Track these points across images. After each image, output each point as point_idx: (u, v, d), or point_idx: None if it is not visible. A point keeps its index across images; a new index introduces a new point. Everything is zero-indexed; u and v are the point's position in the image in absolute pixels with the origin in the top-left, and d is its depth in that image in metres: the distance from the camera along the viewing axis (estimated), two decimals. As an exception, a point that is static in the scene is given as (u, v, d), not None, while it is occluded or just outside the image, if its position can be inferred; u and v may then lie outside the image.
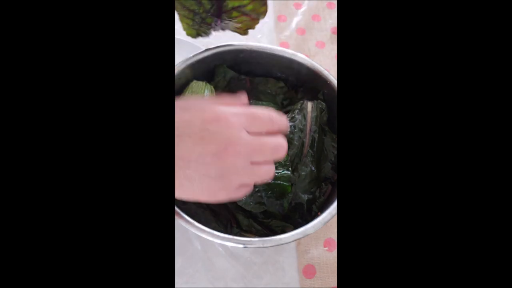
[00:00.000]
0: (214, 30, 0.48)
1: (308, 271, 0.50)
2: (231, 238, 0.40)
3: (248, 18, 0.45)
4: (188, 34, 0.48)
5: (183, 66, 0.49)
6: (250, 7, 0.45)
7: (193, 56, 0.50)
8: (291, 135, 0.47)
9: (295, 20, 0.72)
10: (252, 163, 0.33)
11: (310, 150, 0.47)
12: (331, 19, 0.73)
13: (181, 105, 0.33)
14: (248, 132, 0.33)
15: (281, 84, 0.55)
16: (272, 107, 0.51)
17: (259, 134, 0.34)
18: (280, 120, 0.36)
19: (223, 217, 0.47)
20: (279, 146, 0.35)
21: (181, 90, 0.50)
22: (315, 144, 0.48)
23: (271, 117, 0.35)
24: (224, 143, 0.32)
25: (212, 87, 0.50)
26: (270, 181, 0.39)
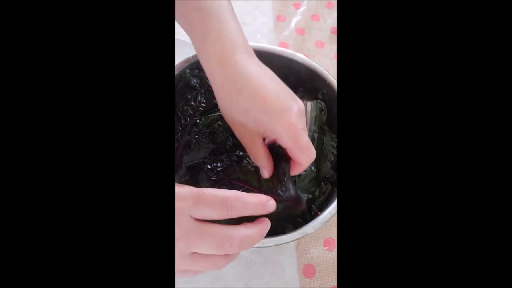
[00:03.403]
0: None
1: (308, 270, 0.50)
2: (231, 238, 0.40)
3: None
4: None
5: (183, 66, 0.49)
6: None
7: (193, 56, 0.50)
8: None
9: (294, 20, 0.72)
10: (193, 253, 0.29)
11: (309, 150, 0.47)
12: (330, 19, 0.73)
13: None
14: (195, 218, 0.29)
15: (281, 84, 0.55)
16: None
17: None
18: (242, 205, 0.30)
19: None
20: (227, 241, 0.28)
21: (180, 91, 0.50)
22: (315, 144, 0.48)
23: (226, 200, 0.29)
24: None
25: None
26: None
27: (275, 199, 0.41)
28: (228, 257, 0.31)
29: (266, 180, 0.42)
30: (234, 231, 0.29)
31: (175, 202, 0.29)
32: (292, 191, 0.41)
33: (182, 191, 0.29)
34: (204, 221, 0.29)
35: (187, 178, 0.44)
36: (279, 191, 0.41)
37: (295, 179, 0.46)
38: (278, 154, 0.40)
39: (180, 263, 0.29)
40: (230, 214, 0.29)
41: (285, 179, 0.40)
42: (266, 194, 0.41)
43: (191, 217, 0.29)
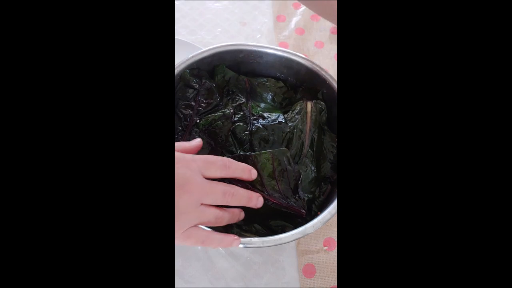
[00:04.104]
0: None
1: (308, 270, 0.50)
2: (231, 238, 0.40)
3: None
4: None
5: (183, 66, 0.49)
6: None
7: (192, 56, 0.50)
8: (290, 135, 0.47)
9: (294, 20, 0.72)
10: (202, 204, 0.37)
11: (309, 150, 0.47)
12: (330, 19, 0.73)
13: None
14: (204, 177, 0.37)
15: (281, 84, 0.55)
16: (271, 107, 0.51)
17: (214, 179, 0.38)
18: (235, 166, 0.39)
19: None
20: (228, 192, 0.38)
21: (180, 90, 0.50)
22: (315, 144, 0.48)
23: (225, 163, 0.39)
24: (182, 182, 0.35)
25: None
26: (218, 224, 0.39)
27: (277, 203, 0.42)
28: (227, 213, 0.39)
29: (270, 183, 0.42)
30: (231, 186, 0.39)
31: (190, 163, 0.36)
32: (293, 201, 0.42)
33: (195, 156, 0.38)
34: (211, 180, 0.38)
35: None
36: (282, 196, 0.42)
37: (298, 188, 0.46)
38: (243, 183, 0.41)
39: (192, 214, 0.36)
40: (230, 172, 0.39)
41: (288, 187, 0.41)
42: (270, 197, 0.42)
43: (202, 175, 0.37)
